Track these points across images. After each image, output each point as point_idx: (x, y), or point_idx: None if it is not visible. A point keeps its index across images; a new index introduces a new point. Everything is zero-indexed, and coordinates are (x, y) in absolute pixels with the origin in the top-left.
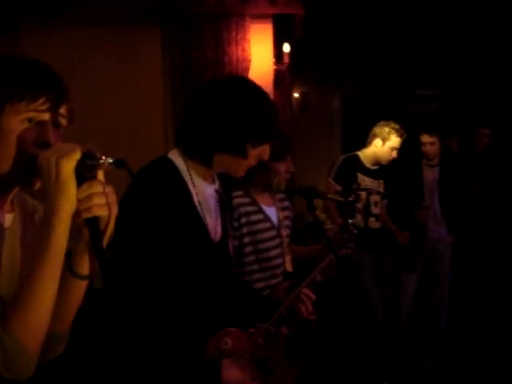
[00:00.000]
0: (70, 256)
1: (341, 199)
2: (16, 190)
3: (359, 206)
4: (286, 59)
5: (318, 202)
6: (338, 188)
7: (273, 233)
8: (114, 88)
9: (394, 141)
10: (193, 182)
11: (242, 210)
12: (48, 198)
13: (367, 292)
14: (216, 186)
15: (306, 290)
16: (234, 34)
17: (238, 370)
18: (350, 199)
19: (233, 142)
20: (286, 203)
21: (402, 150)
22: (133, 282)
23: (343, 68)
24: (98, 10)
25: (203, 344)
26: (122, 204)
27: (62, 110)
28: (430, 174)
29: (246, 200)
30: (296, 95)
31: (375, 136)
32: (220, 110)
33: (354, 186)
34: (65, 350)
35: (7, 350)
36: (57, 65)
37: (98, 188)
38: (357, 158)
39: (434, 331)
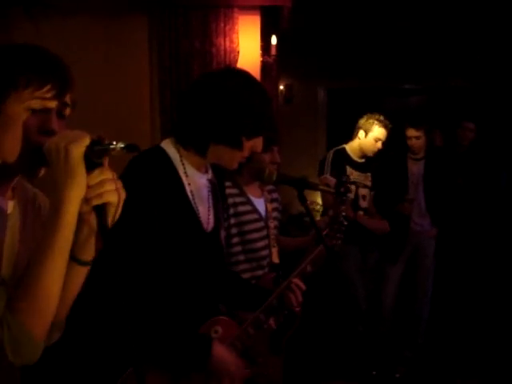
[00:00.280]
0: None
1: (332, 191)
2: (18, 177)
3: (351, 196)
4: (274, 51)
5: (317, 197)
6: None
7: (260, 224)
8: (102, 77)
9: (378, 131)
10: (185, 172)
11: (230, 200)
12: (57, 184)
13: (353, 284)
14: (209, 175)
15: (296, 280)
16: (222, 25)
17: (229, 351)
18: (342, 190)
19: (229, 132)
20: (275, 195)
21: (387, 143)
22: (127, 268)
23: (328, 61)
24: None
25: (195, 328)
26: None
27: (67, 99)
28: (415, 168)
29: (235, 191)
30: (281, 87)
31: (359, 128)
32: (217, 100)
33: (344, 179)
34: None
35: (14, 335)
36: None
37: (109, 174)
38: (344, 151)
39: (416, 323)
